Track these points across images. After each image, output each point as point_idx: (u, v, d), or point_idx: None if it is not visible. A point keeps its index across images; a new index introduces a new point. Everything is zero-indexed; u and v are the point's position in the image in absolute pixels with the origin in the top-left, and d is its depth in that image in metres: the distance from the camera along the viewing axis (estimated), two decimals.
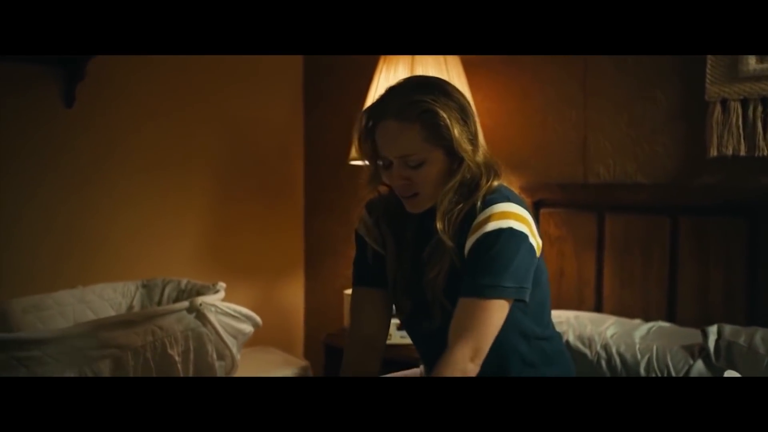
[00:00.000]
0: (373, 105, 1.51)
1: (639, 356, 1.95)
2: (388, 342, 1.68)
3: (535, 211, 2.47)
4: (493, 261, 1.40)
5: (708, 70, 2.17)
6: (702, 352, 1.89)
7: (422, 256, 1.52)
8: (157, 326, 2.03)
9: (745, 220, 2.12)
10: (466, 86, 2.53)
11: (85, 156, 2.59)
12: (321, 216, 3.24)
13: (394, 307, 1.65)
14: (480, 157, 1.48)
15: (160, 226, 2.80)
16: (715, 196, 2.19)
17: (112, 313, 2.36)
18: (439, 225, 1.45)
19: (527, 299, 1.45)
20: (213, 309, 2.14)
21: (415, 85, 1.50)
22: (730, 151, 2.15)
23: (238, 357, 2.24)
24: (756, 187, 2.14)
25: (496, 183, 1.49)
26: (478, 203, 1.45)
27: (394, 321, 1.70)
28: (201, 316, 2.12)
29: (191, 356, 2.11)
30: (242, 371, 2.30)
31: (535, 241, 1.46)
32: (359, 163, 2.53)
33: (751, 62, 2.11)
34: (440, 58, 2.48)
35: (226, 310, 2.18)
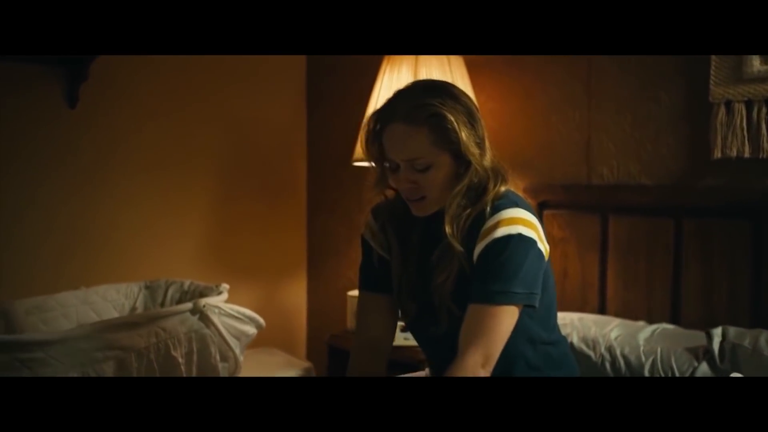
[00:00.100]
0: (381, 108, 1.51)
1: (643, 358, 1.94)
2: None
3: (539, 212, 2.46)
4: (502, 267, 1.40)
5: (712, 72, 2.16)
6: (706, 354, 1.89)
7: (429, 261, 1.52)
8: (161, 328, 2.03)
9: (749, 222, 2.11)
10: (469, 87, 2.52)
11: (87, 156, 2.59)
12: (323, 216, 3.24)
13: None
14: (487, 161, 1.48)
15: (163, 226, 2.80)
16: (719, 197, 2.18)
17: (115, 314, 2.36)
18: (448, 229, 1.45)
19: (537, 305, 1.45)
20: (216, 311, 2.14)
21: (422, 88, 1.50)
22: (734, 153, 2.14)
23: (241, 359, 2.24)
24: (760, 189, 2.13)
25: (503, 188, 1.49)
26: (487, 208, 1.45)
27: (399, 323, 1.70)
28: (204, 318, 2.11)
29: (194, 358, 2.11)
30: (245, 373, 2.30)
31: (543, 246, 1.46)
32: (362, 164, 2.53)
33: (756, 64, 2.10)
34: (443, 58, 2.48)
35: (230, 312, 2.17)
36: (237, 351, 2.21)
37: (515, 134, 2.61)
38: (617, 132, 2.40)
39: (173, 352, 2.05)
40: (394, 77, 2.49)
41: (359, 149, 2.54)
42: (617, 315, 2.29)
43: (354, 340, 1.67)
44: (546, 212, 2.48)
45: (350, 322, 2.68)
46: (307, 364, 2.83)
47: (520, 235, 1.41)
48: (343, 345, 2.58)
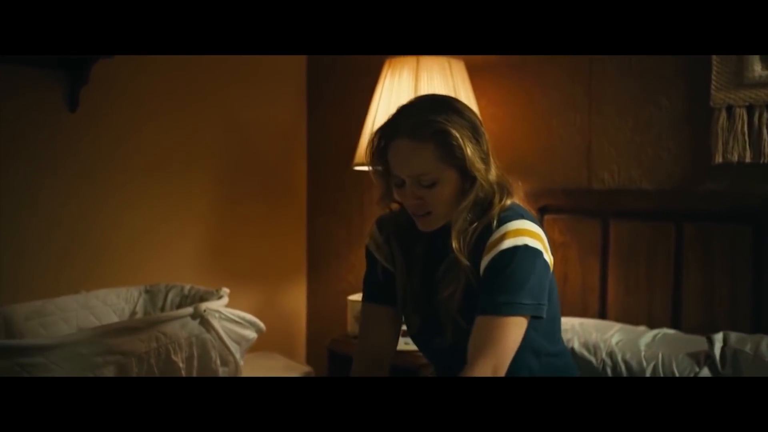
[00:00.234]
0: (386, 124, 1.51)
1: (644, 363, 1.94)
2: None
3: (540, 217, 2.46)
4: (509, 278, 1.41)
5: (713, 77, 2.17)
6: (708, 359, 1.89)
7: (434, 274, 1.52)
8: (161, 332, 2.02)
9: (750, 227, 2.11)
10: (470, 91, 2.52)
11: (87, 160, 2.58)
12: (324, 218, 3.23)
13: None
14: (492, 175, 1.49)
15: (163, 229, 2.80)
16: (720, 202, 2.18)
17: (115, 318, 2.35)
18: (454, 244, 1.46)
19: (545, 315, 1.45)
20: (217, 315, 2.13)
21: (427, 104, 1.50)
22: (735, 158, 2.14)
23: (241, 363, 2.23)
24: (761, 194, 2.13)
25: (509, 201, 1.50)
26: (494, 222, 1.46)
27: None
28: (205, 323, 2.11)
29: (195, 362, 2.10)
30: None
31: (549, 257, 1.47)
32: (363, 168, 2.53)
33: (757, 69, 2.10)
34: (445, 63, 2.48)
35: (230, 316, 2.17)
36: (237, 355, 2.20)
37: (516, 138, 2.61)
38: (618, 136, 2.40)
39: (174, 357, 2.05)
40: (395, 81, 2.49)
41: (360, 153, 2.55)
42: (618, 320, 2.28)
43: (356, 349, 1.68)
44: (547, 217, 2.48)
45: (351, 326, 2.67)
46: (307, 368, 2.82)
47: (526, 246, 1.42)
48: (343, 349, 2.58)
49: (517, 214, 1.47)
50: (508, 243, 1.42)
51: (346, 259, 3.13)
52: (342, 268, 3.14)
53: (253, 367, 2.56)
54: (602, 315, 2.37)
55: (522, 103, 2.62)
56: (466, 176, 1.47)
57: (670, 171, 2.31)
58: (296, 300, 3.28)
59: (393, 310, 1.63)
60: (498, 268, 1.42)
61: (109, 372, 1.90)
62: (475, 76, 2.58)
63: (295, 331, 3.28)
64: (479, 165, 1.46)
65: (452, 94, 2.42)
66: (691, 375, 1.87)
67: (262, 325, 2.26)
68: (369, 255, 1.65)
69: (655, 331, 2.11)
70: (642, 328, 2.17)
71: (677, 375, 1.88)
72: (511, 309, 1.40)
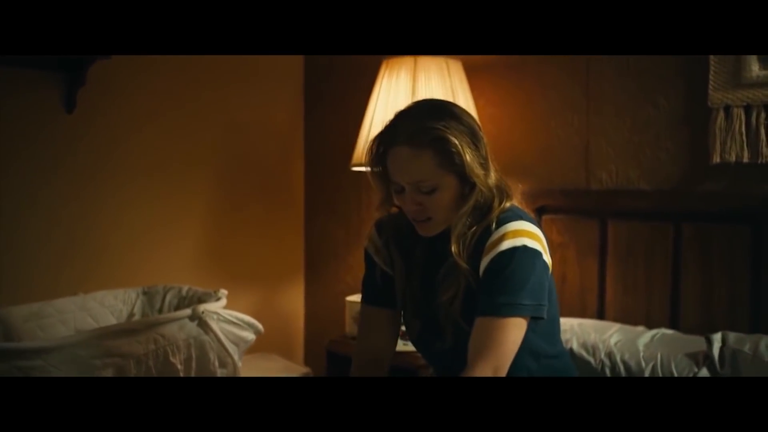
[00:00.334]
0: (384, 131, 1.51)
1: (643, 364, 1.94)
2: None
3: (538, 217, 2.46)
4: (509, 279, 1.41)
5: (711, 77, 2.16)
6: (706, 359, 1.89)
7: (434, 277, 1.52)
8: (159, 334, 2.02)
9: (748, 227, 2.11)
10: (468, 91, 2.52)
11: (85, 161, 2.58)
12: (321, 218, 3.23)
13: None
14: (492, 180, 1.49)
15: (160, 230, 2.79)
16: (718, 202, 2.18)
17: (113, 320, 2.35)
18: (454, 248, 1.46)
19: (545, 316, 1.45)
20: (215, 317, 2.13)
21: (425, 110, 1.50)
22: (733, 158, 2.14)
23: (239, 364, 2.23)
24: (759, 194, 2.13)
25: (508, 204, 1.50)
26: (493, 225, 1.46)
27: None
28: (203, 324, 2.10)
29: (193, 364, 2.10)
30: None
31: (548, 258, 1.47)
32: (361, 168, 2.52)
33: (755, 69, 2.10)
34: (442, 63, 2.47)
35: (228, 318, 2.17)
36: (235, 357, 2.20)
37: (514, 139, 2.61)
38: (616, 137, 2.40)
39: (172, 359, 2.04)
40: (393, 81, 2.49)
41: (358, 154, 2.55)
42: (616, 320, 2.28)
43: (355, 352, 1.68)
44: (545, 217, 2.48)
45: (349, 327, 2.66)
46: (305, 369, 2.82)
47: (525, 247, 1.41)
48: (341, 350, 2.58)
49: (515, 215, 1.47)
50: (507, 244, 1.41)
51: (344, 260, 3.12)
52: (340, 268, 3.14)
53: (251, 369, 2.56)
54: (601, 315, 2.37)
55: (520, 103, 2.62)
56: (466, 181, 1.47)
57: (668, 171, 2.30)
58: (294, 301, 3.28)
59: (392, 313, 1.63)
60: (497, 269, 1.42)
61: (108, 374, 1.90)
62: (472, 76, 2.58)
63: (293, 332, 3.28)
64: (478, 171, 1.46)
65: (450, 95, 2.42)
66: (690, 375, 1.87)
67: (259, 326, 2.25)
68: (368, 258, 1.64)
69: (653, 332, 2.11)
70: (640, 328, 2.17)
71: (676, 375, 1.88)
72: (511, 310, 1.40)
